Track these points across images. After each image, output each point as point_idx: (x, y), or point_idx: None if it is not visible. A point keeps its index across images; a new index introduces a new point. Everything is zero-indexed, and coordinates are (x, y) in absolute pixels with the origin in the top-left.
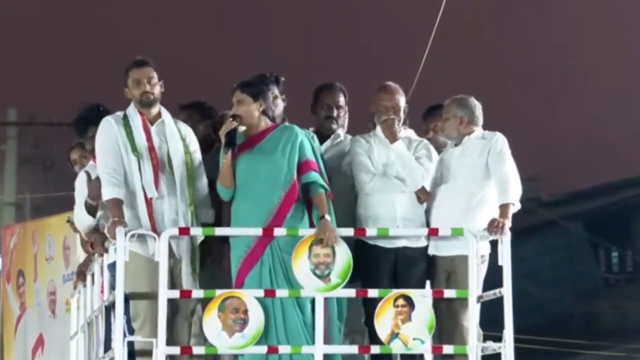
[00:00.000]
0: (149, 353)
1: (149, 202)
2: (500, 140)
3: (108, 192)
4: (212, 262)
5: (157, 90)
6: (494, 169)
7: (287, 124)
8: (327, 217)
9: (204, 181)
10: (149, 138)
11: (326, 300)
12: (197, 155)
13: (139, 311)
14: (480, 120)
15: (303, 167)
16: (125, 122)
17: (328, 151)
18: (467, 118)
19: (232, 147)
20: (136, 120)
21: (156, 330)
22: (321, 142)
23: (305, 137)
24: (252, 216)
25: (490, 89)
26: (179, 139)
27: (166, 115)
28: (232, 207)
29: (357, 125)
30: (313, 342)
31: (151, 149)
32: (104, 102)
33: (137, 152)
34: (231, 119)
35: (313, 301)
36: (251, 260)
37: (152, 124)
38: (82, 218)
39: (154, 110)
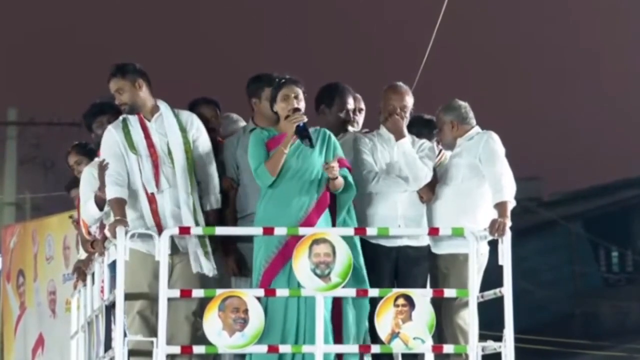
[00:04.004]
0: (139, 353)
1: (151, 199)
2: (489, 140)
3: (111, 192)
4: (217, 260)
5: (128, 96)
6: (486, 170)
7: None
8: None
9: (211, 167)
10: (146, 135)
11: (340, 301)
12: (202, 142)
13: (132, 307)
14: (472, 119)
15: (338, 163)
16: (124, 125)
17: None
18: (457, 121)
19: (310, 139)
20: (134, 121)
21: (145, 328)
22: None
23: (335, 138)
24: (292, 209)
25: (491, 88)
26: (178, 131)
27: (164, 108)
28: (267, 197)
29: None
30: (334, 342)
31: (150, 145)
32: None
33: (135, 150)
34: (300, 112)
35: (333, 302)
36: (282, 258)
37: (149, 120)
38: (89, 210)
39: (146, 107)
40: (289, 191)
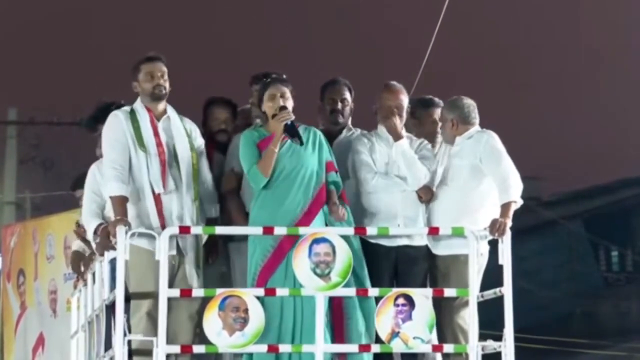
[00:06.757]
0: (145, 352)
1: (157, 199)
2: (490, 140)
3: (114, 189)
4: (218, 262)
5: (167, 85)
6: (491, 170)
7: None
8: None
9: (209, 177)
10: (156, 134)
11: (341, 300)
12: (202, 152)
13: (140, 307)
14: (475, 119)
15: (328, 166)
16: (133, 117)
17: (337, 148)
18: (458, 120)
19: (300, 137)
20: (143, 116)
21: (153, 328)
22: (330, 140)
23: (324, 139)
24: (288, 208)
25: (491, 87)
26: (185, 135)
27: (172, 112)
28: (261, 197)
29: (359, 120)
30: (332, 341)
31: (159, 144)
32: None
33: (144, 148)
34: (287, 110)
35: (330, 301)
36: (277, 257)
37: (158, 119)
38: (89, 227)
39: (161, 106)
40: (284, 191)
